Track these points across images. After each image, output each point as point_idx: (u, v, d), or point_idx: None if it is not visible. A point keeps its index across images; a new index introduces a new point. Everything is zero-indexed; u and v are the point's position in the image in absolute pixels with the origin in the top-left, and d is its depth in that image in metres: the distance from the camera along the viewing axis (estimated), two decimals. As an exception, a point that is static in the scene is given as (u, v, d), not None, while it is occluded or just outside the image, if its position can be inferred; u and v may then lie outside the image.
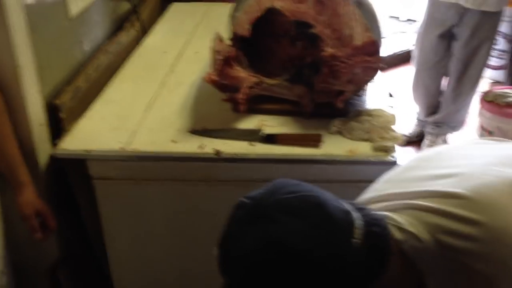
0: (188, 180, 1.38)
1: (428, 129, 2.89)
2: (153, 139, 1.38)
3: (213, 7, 2.28)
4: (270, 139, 1.34)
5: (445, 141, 2.90)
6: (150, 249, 1.49)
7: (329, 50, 1.27)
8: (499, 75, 3.11)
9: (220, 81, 1.34)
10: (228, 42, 1.44)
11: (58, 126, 1.43)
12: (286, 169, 1.34)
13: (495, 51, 3.03)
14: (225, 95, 1.39)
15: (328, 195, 0.77)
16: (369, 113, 1.37)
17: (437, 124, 2.84)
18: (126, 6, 2.04)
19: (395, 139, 1.29)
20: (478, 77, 2.65)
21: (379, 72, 1.32)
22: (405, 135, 2.99)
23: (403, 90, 3.05)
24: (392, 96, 1.54)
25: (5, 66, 1.24)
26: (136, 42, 1.99)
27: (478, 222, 0.76)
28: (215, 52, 1.38)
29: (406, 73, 2.96)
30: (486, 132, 2.63)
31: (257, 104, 1.43)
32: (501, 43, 3.04)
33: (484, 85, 2.98)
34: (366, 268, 0.74)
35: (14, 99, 1.28)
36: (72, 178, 1.45)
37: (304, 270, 0.70)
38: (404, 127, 3.03)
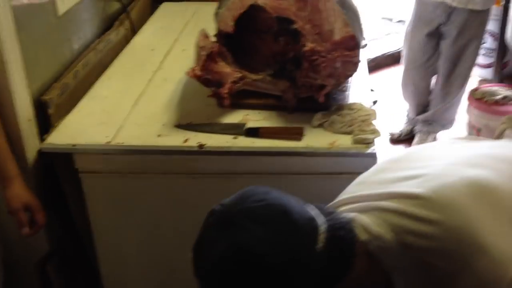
0: (173, 173, 1.41)
1: (419, 127, 2.92)
2: (139, 134, 1.41)
3: (203, 7, 2.30)
4: (253, 132, 1.37)
5: (435, 139, 2.92)
6: (137, 242, 1.52)
7: (309, 45, 1.30)
8: (488, 73, 3.14)
9: (204, 76, 1.36)
10: (213, 38, 1.47)
11: (46, 122, 1.46)
12: (268, 162, 1.37)
13: (483, 49, 3.06)
14: (210, 91, 1.41)
15: (294, 203, 0.81)
16: (350, 107, 1.40)
17: (427, 122, 2.87)
18: (116, 5, 2.07)
19: (374, 132, 1.31)
20: (466, 75, 2.68)
21: (359, 66, 1.35)
22: (394, 133, 3.03)
23: (394, 88, 3.08)
24: (373, 91, 1.57)
25: (-8, 62, 1.26)
26: (126, 40, 2.01)
27: (437, 221, 0.79)
28: (200, 47, 1.41)
29: (398, 73, 2.99)
30: (475, 129, 2.66)
31: (241, 99, 1.46)
32: (488, 41, 3.07)
33: (472, 83, 3.01)
34: (330, 272, 0.78)
35: (2, 94, 1.30)
36: (60, 173, 1.48)
37: (267, 276, 0.75)
38: (394, 126, 3.06)
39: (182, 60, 1.80)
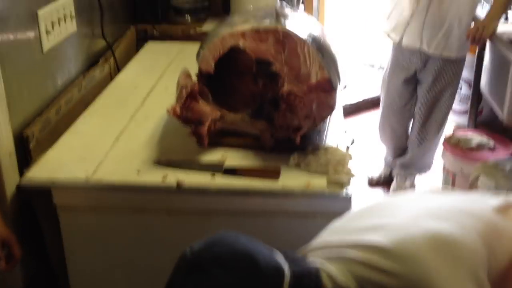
0: (151, 210, 1.42)
1: (396, 171, 2.97)
2: (118, 170, 1.42)
3: (187, 46, 2.35)
4: (231, 171, 1.39)
5: (413, 183, 2.97)
6: (113, 280, 1.51)
7: (287, 87, 1.35)
8: (463, 119, 3.23)
9: (184, 114, 1.39)
10: (195, 77, 1.51)
11: (27, 157, 1.47)
12: (245, 201, 1.38)
13: (459, 96, 3.15)
14: (190, 129, 1.44)
15: (262, 249, 0.85)
16: (326, 148, 1.43)
17: (404, 166, 2.92)
18: (101, 43, 2.11)
19: (349, 174, 1.35)
20: (442, 121, 2.76)
21: (334, 109, 1.40)
22: (374, 176, 3.07)
23: (374, 132, 3.14)
24: (349, 134, 1.61)
25: (-26, 95, 1.28)
26: (110, 77, 2.05)
27: (398, 273, 0.82)
28: (181, 86, 1.44)
29: (375, 117, 3.06)
30: (450, 174, 2.71)
31: (220, 137, 1.49)
32: (464, 89, 3.17)
33: (448, 129, 3.09)
34: None
35: (-17, 128, 1.32)
36: (37, 208, 1.48)
37: None
38: (372, 169, 3.11)
39: (164, 98, 1.83)
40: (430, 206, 0.93)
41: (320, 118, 1.39)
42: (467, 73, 3.00)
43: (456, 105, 3.10)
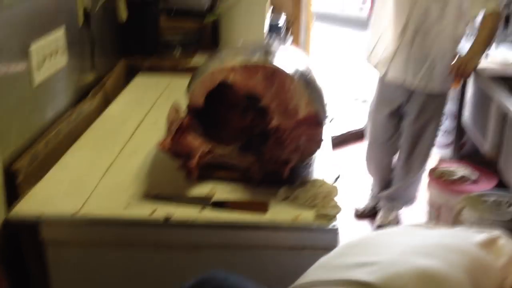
0: (139, 245, 1.42)
1: (382, 203, 3.00)
2: (107, 204, 1.42)
3: (177, 79, 2.38)
4: (220, 205, 1.40)
5: (397, 216, 3.00)
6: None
7: (274, 122, 1.37)
8: (447, 152, 3.28)
9: (173, 148, 1.41)
10: (184, 111, 1.53)
11: (14, 191, 1.46)
12: (234, 235, 1.39)
13: (442, 130, 3.21)
14: (179, 163, 1.45)
15: None
16: (313, 182, 1.45)
17: (390, 199, 2.95)
18: (91, 76, 2.13)
19: (336, 208, 1.36)
20: (426, 154, 2.80)
21: (322, 143, 1.42)
22: (360, 209, 3.09)
23: (360, 164, 3.17)
24: (336, 168, 1.63)
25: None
26: (99, 111, 2.06)
27: None
28: (170, 121, 1.46)
29: (362, 149, 3.10)
30: (434, 207, 2.74)
31: (210, 171, 1.50)
32: (447, 122, 3.23)
33: (432, 161, 3.13)
34: None
35: (-29, 163, 1.32)
36: (24, 243, 1.47)
37: None
38: (358, 201, 3.13)
39: (153, 132, 1.84)
40: (416, 242, 0.95)
41: (308, 152, 1.41)
42: (450, 107, 3.07)
43: (439, 138, 3.15)
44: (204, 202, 1.42)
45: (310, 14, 3.05)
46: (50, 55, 1.72)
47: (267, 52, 1.51)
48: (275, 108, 1.40)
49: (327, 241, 1.34)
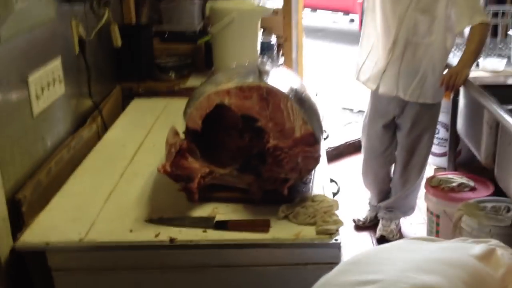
0: (145, 268, 1.44)
1: (381, 214, 3.02)
2: (111, 229, 1.45)
3: (172, 102, 2.41)
4: (222, 225, 1.43)
5: (398, 225, 3.02)
6: None
7: (272, 142, 1.40)
8: (442, 161, 3.32)
9: (174, 172, 1.43)
10: (182, 135, 1.56)
11: (19, 220, 1.49)
12: (237, 254, 1.41)
13: (437, 139, 3.25)
14: (180, 185, 1.48)
15: None
16: (313, 199, 1.48)
17: (389, 209, 2.98)
18: (88, 103, 2.16)
19: (337, 223, 1.39)
20: (422, 164, 2.84)
21: (319, 161, 1.45)
22: (358, 220, 3.11)
23: (357, 176, 3.20)
24: (334, 182, 1.67)
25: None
26: (98, 136, 2.09)
27: None
28: (169, 144, 1.49)
29: (359, 160, 3.13)
30: (434, 215, 2.76)
31: (210, 192, 1.53)
32: (441, 132, 3.28)
33: (429, 171, 3.17)
34: None
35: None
36: (32, 270, 1.48)
37: None
38: (357, 213, 3.16)
39: (152, 155, 1.87)
40: (416, 258, 0.96)
41: (306, 170, 1.44)
42: (443, 117, 3.11)
43: (435, 148, 3.19)
44: (207, 223, 1.44)
45: (301, 32, 3.11)
46: (48, 85, 1.75)
47: (261, 73, 1.55)
48: (272, 128, 1.43)
49: (330, 256, 1.36)
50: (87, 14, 2.11)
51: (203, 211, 1.51)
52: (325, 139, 1.77)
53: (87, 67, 2.09)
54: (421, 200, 2.96)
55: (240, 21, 2.39)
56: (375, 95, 2.76)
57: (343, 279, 0.96)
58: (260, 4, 2.45)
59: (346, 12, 9.19)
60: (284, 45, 2.70)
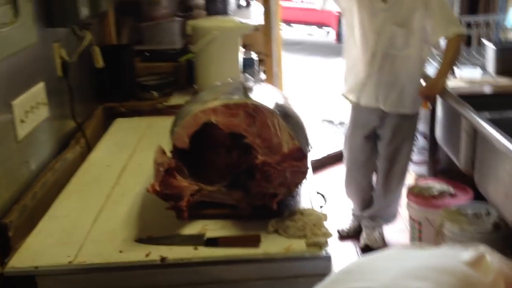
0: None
1: (364, 223, 3.06)
2: (100, 251, 1.44)
3: (155, 121, 2.42)
4: (213, 242, 1.44)
5: (381, 233, 3.06)
6: None
7: (260, 158, 1.42)
8: (422, 169, 3.38)
9: (163, 191, 1.44)
10: (169, 154, 1.57)
11: (6, 245, 1.47)
12: (229, 270, 1.42)
13: (417, 148, 3.31)
14: (169, 204, 1.49)
15: None
16: (302, 212, 1.49)
17: (371, 218, 3.02)
18: (71, 124, 2.16)
19: (326, 235, 1.41)
20: (403, 172, 2.89)
21: (307, 174, 1.47)
22: (342, 230, 3.14)
23: (337, 187, 3.24)
24: (321, 194, 1.69)
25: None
26: (82, 158, 2.08)
27: None
28: (157, 164, 1.50)
29: (340, 171, 3.17)
30: (416, 222, 2.81)
31: (199, 210, 1.54)
32: (421, 141, 3.34)
33: (410, 179, 3.22)
34: None
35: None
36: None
37: None
38: (341, 223, 3.19)
39: (139, 175, 1.87)
40: (408, 265, 0.98)
41: (294, 184, 1.46)
42: (422, 127, 3.17)
43: (414, 157, 3.25)
44: (197, 240, 1.45)
45: (280, 47, 3.15)
46: (32, 109, 1.75)
47: (246, 90, 1.57)
48: (260, 144, 1.45)
49: (320, 267, 1.38)
50: (68, 37, 2.11)
51: (192, 228, 1.52)
52: (310, 151, 1.79)
53: (70, 88, 2.09)
54: (403, 208, 3.01)
55: (222, 39, 2.42)
56: (356, 107, 2.81)
57: None
58: (241, 21, 2.49)
59: (322, 25, 9.33)
60: (265, 60, 2.73)
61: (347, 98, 2.81)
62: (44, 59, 1.93)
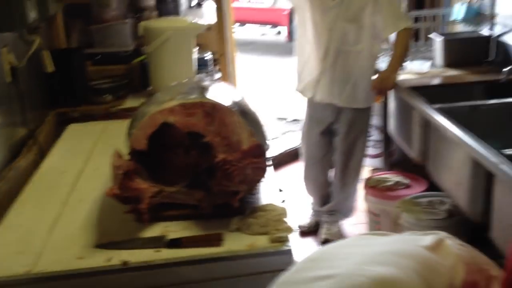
0: (98, 294, 1.41)
1: (324, 218, 3.09)
2: (60, 258, 1.41)
3: (109, 125, 2.38)
4: (175, 243, 1.43)
5: (340, 228, 3.11)
6: None
7: (220, 156, 1.42)
8: (377, 162, 3.45)
9: (122, 194, 1.42)
10: (127, 156, 1.55)
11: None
12: (192, 270, 1.41)
13: (371, 142, 3.38)
14: (128, 207, 1.47)
15: None
16: (263, 208, 1.50)
17: (330, 213, 3.06)
18: (23, 131, 2.10)
19: (288, 230, 1.42)
20: (359, 166, 2.94)
21: (267, 171, 1.48)
22: (302, 226, 3.18)
23: (296, 184, 3.27)
24: (282, 191, 1.70)
25: None
26: (35, 166, 2.02)
27: None
28: (115, 167, 1.47)
29: (297, 168, 3.20)
30: (374, 215, 2.86)
31: (160, 211, 1.52)
32: (375, 134, 3.41)
33: (366, 172, 3.28)
34: None
35: None
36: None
37: None
38: (301, 219, 3.22)
39: (95, 180, 1.84)
40: (370, 251, 1.01)
41: (255, 181, 1.47)
42: (376, 120, 3.24)
43: (370, 150, 3.31)
44: (159, 242, 1.44)
45: (233, 47, 3.15)
46: (-19, 116, 1.69)
47: (203, 89, 1.57)
48: (219, 143, 1.45)
49: (283, 262, 1.37)
50: (16, 42, 2.05)
51: (154, 231, 1.50)
52: (268, 148, 1.80)
53: (20, 94, 2.03)
54: (361, 201, 3.06)
55: (175, 39, 2.40)
56: (311, 103, 2.85)
57: (301, 276, 0.98)
58: (194, 21, 2.47)
59: (274, 25, 9.39)
60: (220, 60, 2.73)
61: (302, 94, 2.85)
62: (-8, 64, 1.88)
